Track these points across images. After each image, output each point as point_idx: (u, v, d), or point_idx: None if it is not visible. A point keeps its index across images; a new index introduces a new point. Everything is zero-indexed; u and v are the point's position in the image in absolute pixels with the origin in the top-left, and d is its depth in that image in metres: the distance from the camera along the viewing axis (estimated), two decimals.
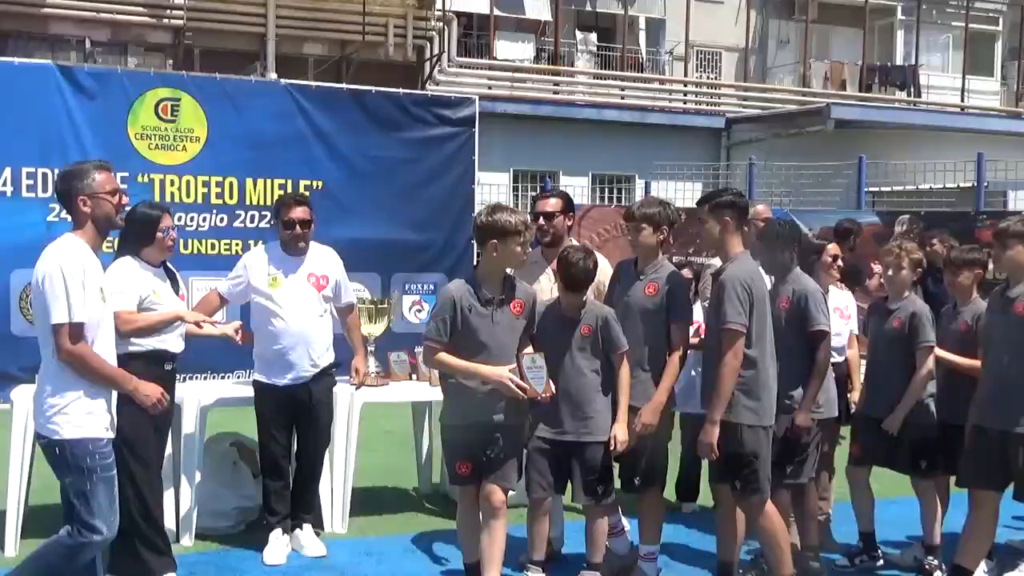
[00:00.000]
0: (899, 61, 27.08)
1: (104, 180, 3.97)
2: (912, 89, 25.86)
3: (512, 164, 19.08)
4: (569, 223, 5.42)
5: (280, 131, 6.93)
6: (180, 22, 18.74)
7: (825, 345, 4.91)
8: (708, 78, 25.76)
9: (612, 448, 4.65)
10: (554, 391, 4.53)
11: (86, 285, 3.82)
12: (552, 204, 5.36)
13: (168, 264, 5.05)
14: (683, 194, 14.16)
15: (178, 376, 5.20)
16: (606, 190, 19.08)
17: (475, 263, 5.29)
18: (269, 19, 19.14)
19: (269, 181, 6.87)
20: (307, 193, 6.52)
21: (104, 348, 3.98)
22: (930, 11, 27.10)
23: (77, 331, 3.80)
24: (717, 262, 5.38)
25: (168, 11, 18.81)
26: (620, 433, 4.65)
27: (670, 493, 5.89)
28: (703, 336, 5.21)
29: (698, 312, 5.62)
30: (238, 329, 5.33)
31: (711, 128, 21.75)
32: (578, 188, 16.64)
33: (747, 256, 4.75)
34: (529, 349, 4.56)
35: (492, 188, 13.66)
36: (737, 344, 4.52)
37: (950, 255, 5.50)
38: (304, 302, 5.41)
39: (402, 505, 6.45)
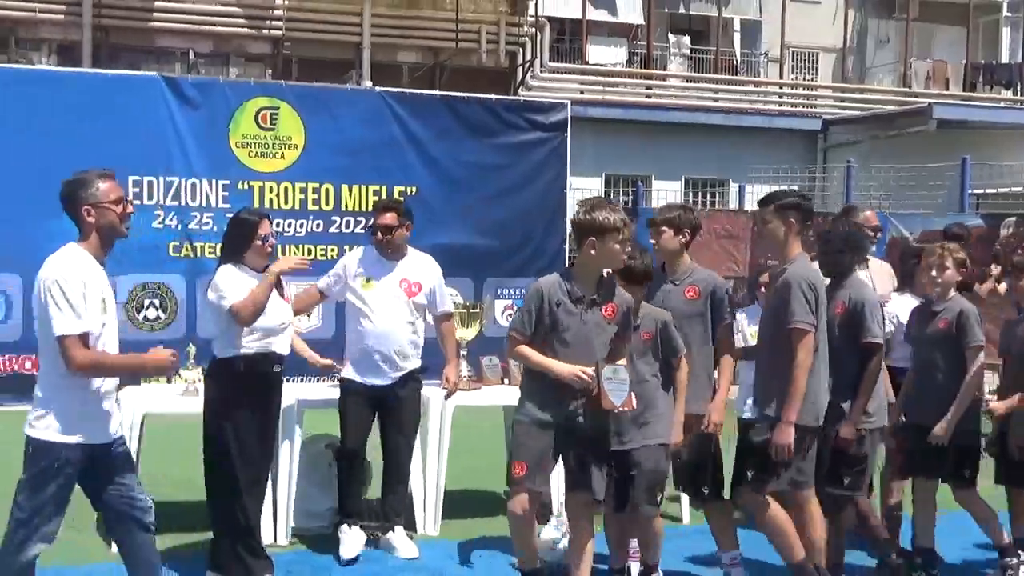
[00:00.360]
0: (1004, 59, 26.23)
1: (108, 189, 3.89)
2: (1018, 87, 25.02)
3: (604, 168, 19.04)
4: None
5: (375, 138, 7.05)
6: (279, 32, 19.18)
7: (877, 357, 4.76)
8: (804, 79, 25.31)
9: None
10: (634, 406, 4.40)
11: (87, 296, 3.74)
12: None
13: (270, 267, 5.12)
14: None
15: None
16: (699, 194, 18.88)
17: (569, 262, 5.24)
18: (364, 28, 19.45)
19: (364, 187, 6.99)
20: (401, 199, 6.61)
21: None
22: None
23: (84, 340, 3.74)
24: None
25: (268, 22, 19.27)
26: (677, 435, 4.67)
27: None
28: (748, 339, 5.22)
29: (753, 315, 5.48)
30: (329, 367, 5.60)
31: (807, 130, 21.38)
32: (670, 192, 16.51)
33: (806, 258, 4.73)
34: (622, 361, 4.42)
35: (584, 193, 13.64)
36: (807, 341, 4.50)
37: (1013, 259, 5.35)
38: (393, 306, 5.49)
39: (494, 508, 6.47)
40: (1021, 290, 5.25)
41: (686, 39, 24.99)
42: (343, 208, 6.93)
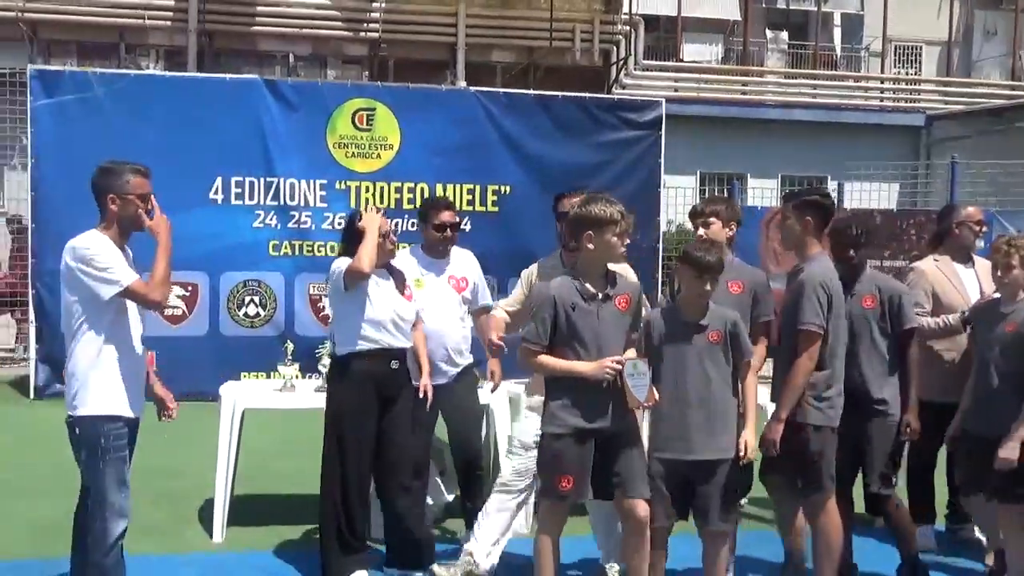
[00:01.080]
0: None
1: (137, 184, 4.01)
2: None
3: (698, 167, 18.83)
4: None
5: (469, 137, 7.12)
6: (375, 35, 19.45)
7: (915, 343, 4.81)
8: (908, 74, 24.65)
9: (743, 456, 4.36)
10: (657, 399, 4.20)
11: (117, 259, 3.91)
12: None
13: (392, 264, 5.14)
14: (879, 195, 13.59)
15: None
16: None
17: (559, 255, 5.06)
18: (459, 29, 19.61)
19: (458, 186, 7.06)
20: (450, 198, 6.62)
21: (134, 336, 4.04)
22: None
23: (138, 286, 3.90)
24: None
25: (365, 24, 19.56)
26: (751, 440, 4.40)
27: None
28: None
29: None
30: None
31: (910, 126, 20.80)
32: (767, 191, 16.23)
33: (824, 256, 4.65)
34: (631, 353, 4.21)
35: (678, 191, 13.53)
36: (813, 347, 4.43)
37: None
38: (445, 303, 5.44)
39: None
40: None
41: (784, 34, 24.56)
42: None
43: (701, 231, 4.90)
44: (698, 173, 18.79)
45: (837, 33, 24.62)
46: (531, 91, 8.26)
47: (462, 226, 5.62)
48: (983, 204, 11.02)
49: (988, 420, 4.71)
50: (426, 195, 6.99)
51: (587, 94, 7.81)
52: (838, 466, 4.58)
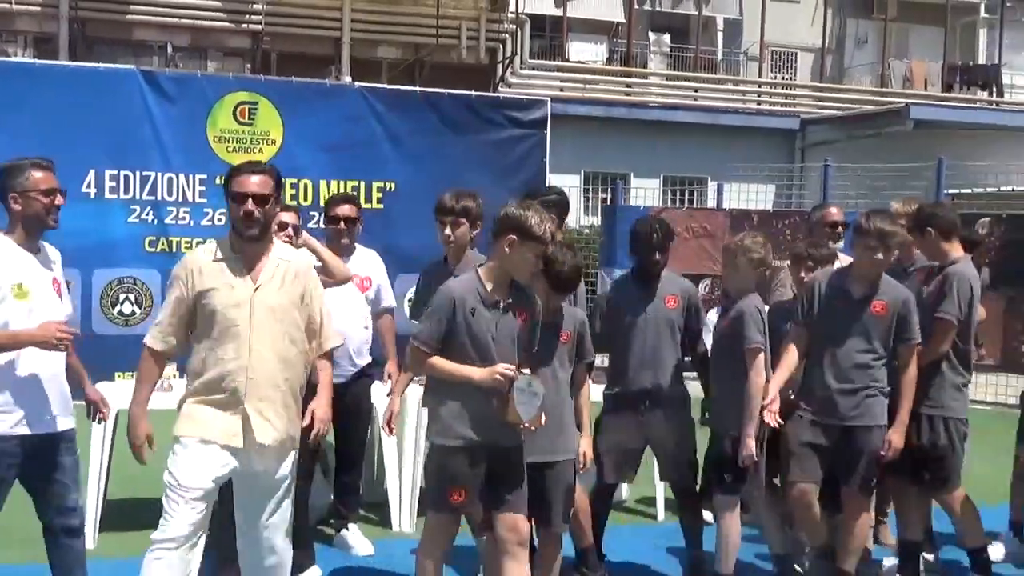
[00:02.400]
0: (982, 60, 26.44)
1: (39, 179, 3.80)
2: (995, 89, 25.21)
3: (583, 166, 19.05)
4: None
5: (354, 133, 7.03)
6: (258, 27, 19.09)
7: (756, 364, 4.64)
8: (783, 78, 25.42)
9: (582, 467, 4.42)
10: (543, 423, 3.97)
11: None
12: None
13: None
14: (756, 196, 13.97)
15: None
16: (677, 192, 18.93)
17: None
18: (344, 23, 19.39)
19: (343, 182, 6.97)
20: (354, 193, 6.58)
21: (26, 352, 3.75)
22: (1014, 9, 26.40)
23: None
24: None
25: (247, 16, 19.17)
26: (588, 450, 4.45)
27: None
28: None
29: None
30: None
31: (785, 129, 21.48)
32: (649, 190, 16.52)
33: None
34: (526, 371, 3.95)
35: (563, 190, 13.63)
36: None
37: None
38: (348, 303, 5.35)
39: None
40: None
41: (666, 37, 25.05)
42: (322, 204, 6.90)
43: (448, 231, 4.83)
44: (582, 172, 19.02)
45: (719, 37, 25.23)
46: (417, 88, 8.22)
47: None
48: (853, 206, 11.43)
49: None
50: (310, 192, 6.89)
51: (473, 92, 7.80)
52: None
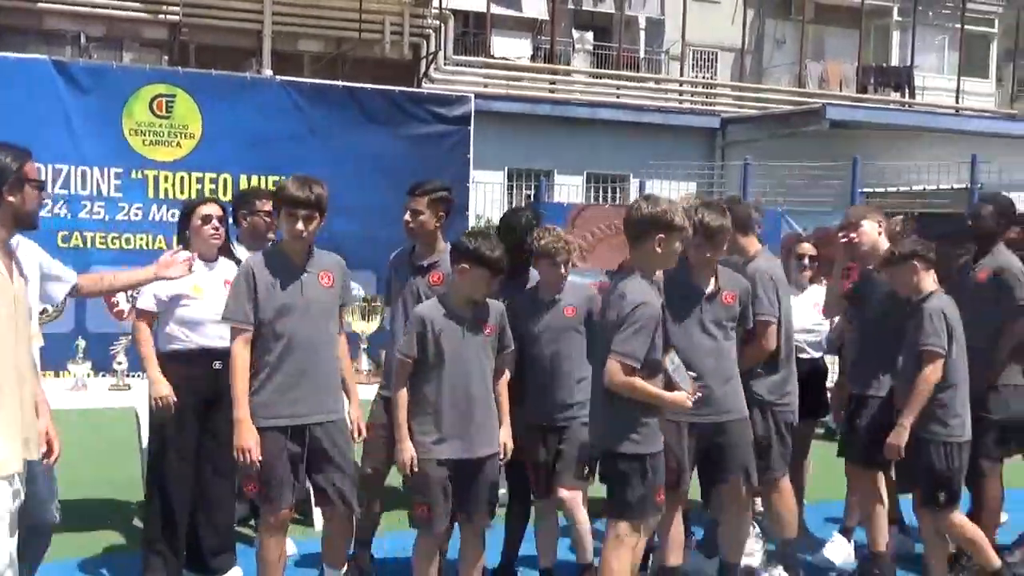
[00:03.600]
0: (895, 62, 27.14)
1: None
2: (907, 90, 25.90)
3: (507, 163, 19.08)
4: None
5: (275, 128, 6.93)
6: (176, 18, 18.71)
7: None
8: (704, 78, 25.77)
9: (503, 458, 4.49)
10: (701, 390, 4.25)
11: None
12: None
13: (232, 254, 4.98)
14: (678, 194, 14.13)
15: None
16: (600, 190, 19.07)
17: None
18: (265, 16, 19.12)
19: (264, 178, 6.86)
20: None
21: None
22: (926, 12, 27.15)
23: None
24: None
25: (164, 7, 18.78)
26: (509, 441, 4.47)
27: None
28: None
29: None
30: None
31: (706, 128, 21.77)
32: (572, 187, 16.63)
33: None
34: (671, 352, 4.15)
35: (486, 187, 13.65)
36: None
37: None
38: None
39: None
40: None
41: (589, 35, 25.21)
42: None
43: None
44: (506, 169, 19.04)
45: (642, 36, 25.47)
46: (340, 82, 8.14)
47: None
48: (772, 204, 11.64)
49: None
50: (230, 187, 6.77)
51: (397, 87, 7.76)
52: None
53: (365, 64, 19.13)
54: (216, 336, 4.62)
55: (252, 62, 18.83)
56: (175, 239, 5.30)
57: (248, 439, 4.08)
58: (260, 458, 4.08)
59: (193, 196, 6.66)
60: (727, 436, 4.65)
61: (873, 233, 5.25)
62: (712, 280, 4.66)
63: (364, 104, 7.22)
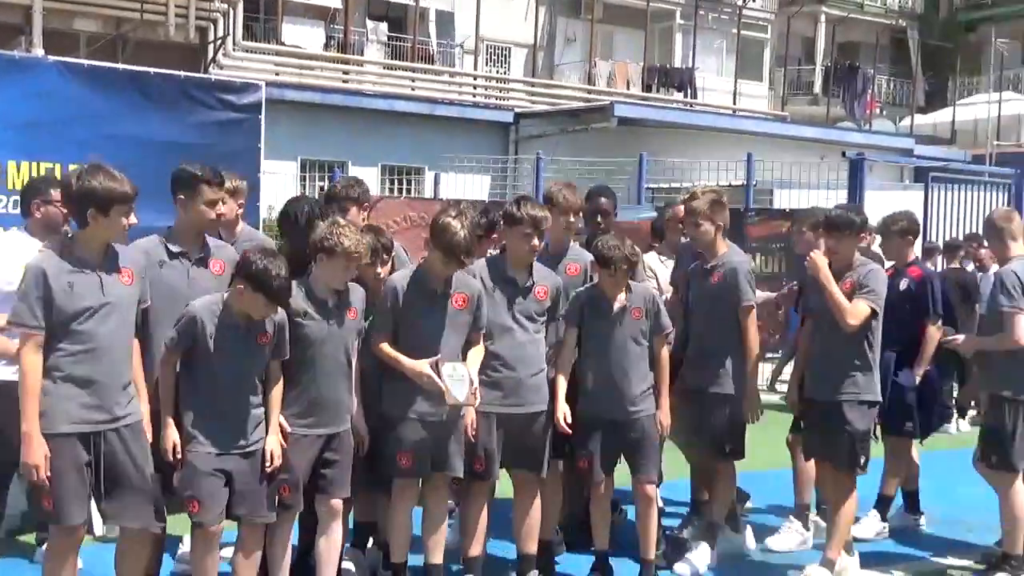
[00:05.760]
0: (677, 63, 28.36)
1: None
2: (689, 91, 27.12)
3: (300, 153, 18.68)
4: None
5: (48, 111, 6.51)
6: None
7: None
8: (498, 72, 26.11)
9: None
10: (479, 399, 4.51)
11: None
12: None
13: None
14: (472, 186, 14.27)
15: None
16: (395, 182, 19.00)
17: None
18: None
19: (36, 163, 6.44)
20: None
21: None
22: (706, 17, 28.52)
23: None
24: None
25: None
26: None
27: None
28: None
29: None
30: None
31: (500, 122, 22.04)
32: (367, 179, 16.47)
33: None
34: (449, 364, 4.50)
35: (279, 177, 13.32)
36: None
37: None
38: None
39: None
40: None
41: (383, 26, 25.05)
42: (8, 187, 6.34)
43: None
44: (298, 159, 18.65)
45: (433, 28, 25.52)
46: (120, 65, 7.74)
47: None
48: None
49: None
50: None
51: (183, 72, 7.44)
52: None
53: (148, 47, 18.27)
54: None
55: (21, 40, 17.61)
56: None
57: (37, 455, 3.73)
58: (49, 473, 3.75)
59: None
60: (533, 426, 4.78)
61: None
62: (528, 274, 4.77)
63: (147, 89, 6.90)
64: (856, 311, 5.00)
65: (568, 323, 4.95)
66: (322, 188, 17.34)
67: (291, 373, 4.32)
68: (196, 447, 4.08)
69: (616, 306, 4.86)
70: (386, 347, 4.52)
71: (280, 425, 4.26)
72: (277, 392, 4.28)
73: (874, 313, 5.06)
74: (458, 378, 4.43)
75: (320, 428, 4.35)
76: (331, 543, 4.45)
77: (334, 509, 4.44)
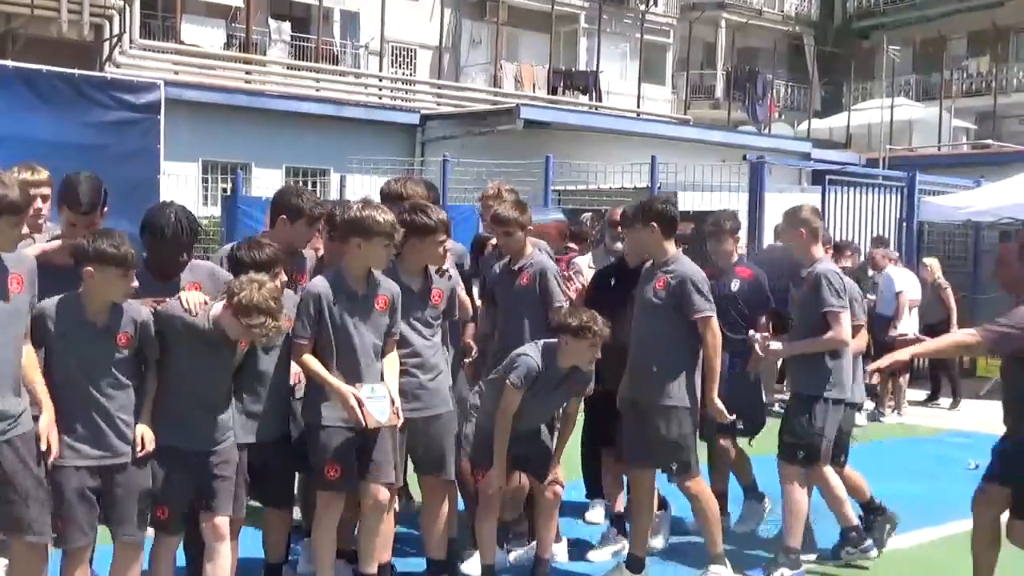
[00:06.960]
0: (582, 67, 28.62)
1: None
2: (594, 93, 27.39)
3: (201, 154, 18.28)
4: None
5: None
6: None
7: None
8: (404, 74, 25.98)
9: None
10: (401, 419, 4.37)
11: None
12: None
13: None
14: (378, 189, 14.12)
15: None
16: (300, 183, 18.74)
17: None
18: None
19: None
20: None
21: None
22: (610, 21, 28.86)
23: None
24: None
25: None
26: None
27: None
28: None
29: None
30: None
31: (406, 124, 21.91)
32: (271, 181, 16.21)
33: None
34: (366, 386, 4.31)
35: (179, 179, 13.02)
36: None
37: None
38: None
39: None
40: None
41: (287, 25, 24.71)
42: None
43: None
44: (200, 161, 18.26)
45: (337, 29, 25.28)
46: (9, 62, 7.46)
47: None
48: (471, 200, 11.92)
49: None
50: None
51: (76, 71, 7.21)
52: None
53: (39, 44, 17.67)
54: None
55: None
56: None
57: None
58: None
59: None
60: (436, 430, 4.70)
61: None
62: (422, 279, 4.69)
63: (39, 87, 6.69)
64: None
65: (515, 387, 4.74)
66: (224, 190, 17.02)
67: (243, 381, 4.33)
68: (61, 460, 3.82)
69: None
70: (309, 359, 4.35)
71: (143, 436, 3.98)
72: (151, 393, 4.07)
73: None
74: (378, 398, 4.30)
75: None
76: (217, 567, 4.15)
77: (219, 529, 4.15)
